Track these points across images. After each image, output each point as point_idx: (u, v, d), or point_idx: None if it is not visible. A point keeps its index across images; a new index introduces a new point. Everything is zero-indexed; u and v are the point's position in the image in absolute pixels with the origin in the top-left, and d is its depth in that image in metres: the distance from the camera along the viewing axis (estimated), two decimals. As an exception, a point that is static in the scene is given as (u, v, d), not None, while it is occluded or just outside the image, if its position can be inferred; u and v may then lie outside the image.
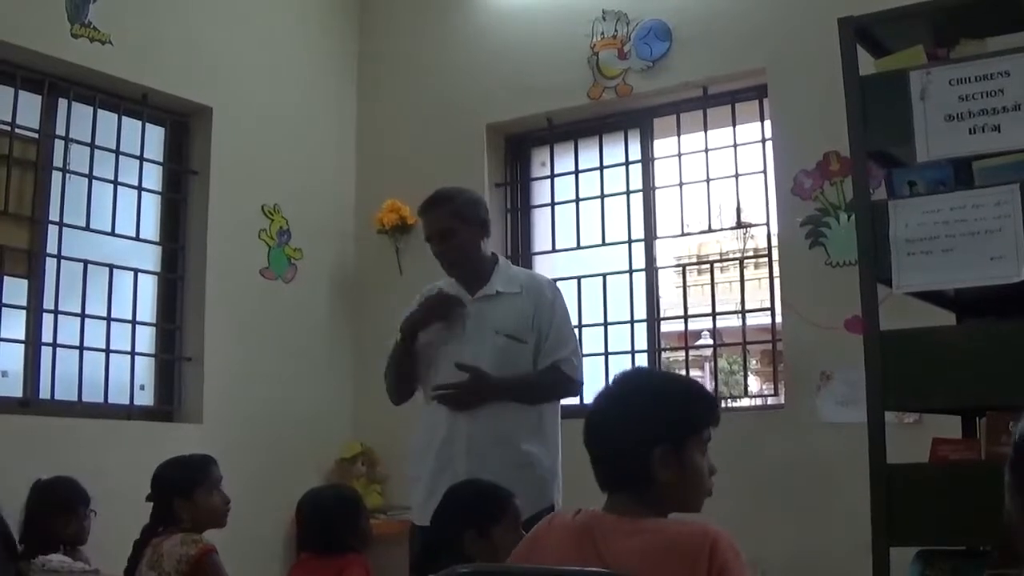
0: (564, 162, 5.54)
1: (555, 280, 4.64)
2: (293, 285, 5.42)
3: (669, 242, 5.41)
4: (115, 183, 4.82)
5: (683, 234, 5.31)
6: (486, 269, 3.41)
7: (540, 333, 3.32)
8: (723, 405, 5.20)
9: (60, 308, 4.57)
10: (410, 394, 3.45)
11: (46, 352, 4.50)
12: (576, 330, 3.86)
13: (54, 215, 4.58)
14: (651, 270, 5.20)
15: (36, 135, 4.56)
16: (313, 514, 3.18)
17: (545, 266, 5.47)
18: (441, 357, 3.34)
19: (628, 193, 5.31)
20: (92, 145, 4.74)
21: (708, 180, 5.11)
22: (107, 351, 4.73)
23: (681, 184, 5.17)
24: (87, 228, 4.69)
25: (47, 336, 4.51)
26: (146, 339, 4.94)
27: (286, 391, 5.25)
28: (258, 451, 4.99)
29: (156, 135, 5.05)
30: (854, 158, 2.86)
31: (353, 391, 5.59)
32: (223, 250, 5.08)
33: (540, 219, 5.57)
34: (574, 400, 3.53)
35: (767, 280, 4.90)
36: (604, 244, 5.35)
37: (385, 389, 3.46)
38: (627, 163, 5.33)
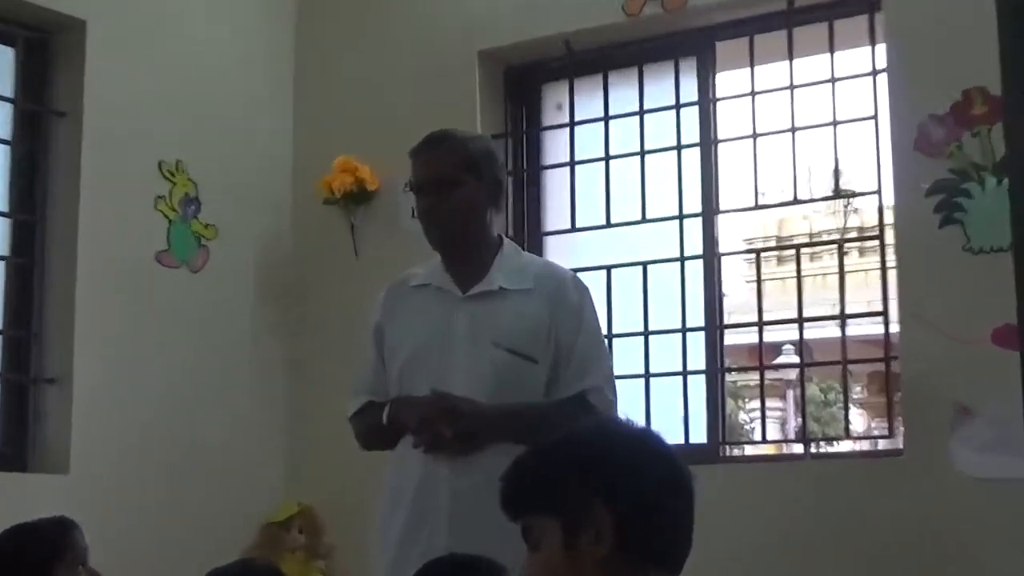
0: (589, 105, 5.49)
1: (574, 271, 4.60)
2: (204, 276, 5.38)
3: (737, 218, 5.44)
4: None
5: (756, 207, 5.31)
6: (486, 255, 3.46)
7: (560, 349, 3.37)
8: (815, 449, 5.28)
9: None
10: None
11: None
12: (606, 342, 3.85)
13: None
14: (711, 258, 5.19)
15: None
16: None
17: (561, 251, 5.44)
18: (419, 375, 3.37)
19: (679, 148, 5.26)
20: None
21: (793, 130, 5.07)
22: (-74, 370, 4.78)
23: (755, 136, 5.15)
24: None
25: None
26: (-14, 352, 4.97)
27: (191, 426, 5.20)
28: (148, 512, 4.95)
29: (2, 59, 5.03)
30: (1007, 96, 2.70)
31: (287, 426, 5.59)
32: (101, 225, 5.00)
33: (554, 185, 5.56)
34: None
35: (878, 272, 4.87)
36: (645, 220, 5.32)
37: (355, 436, 3.59)
38: (678, 106, 5.29)
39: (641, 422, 2.13)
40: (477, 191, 3.42)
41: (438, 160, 3.42)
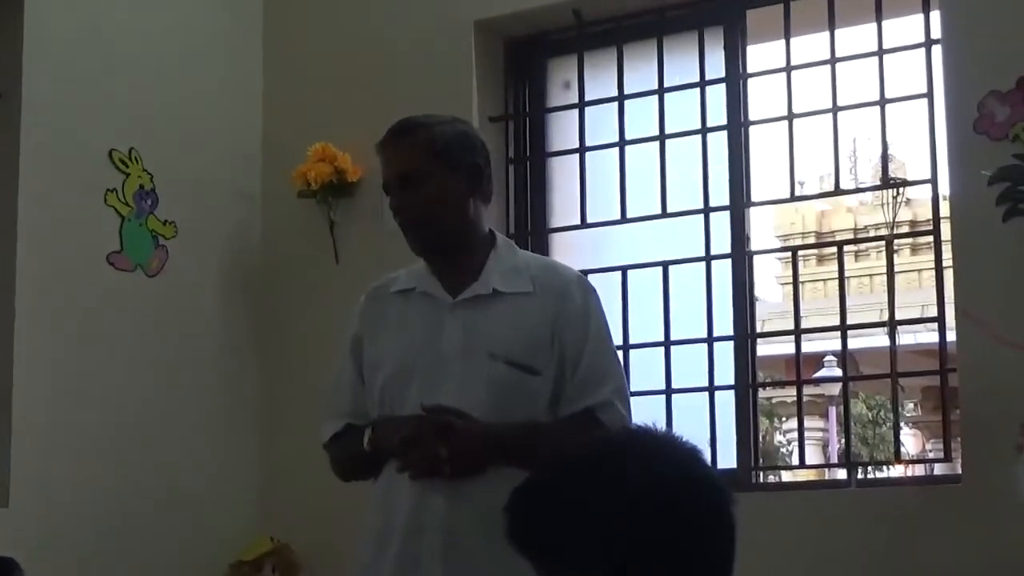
0: (601, 82, 5.49)
1: (585, 273, 4.60)
2: (162, 280, 5.38)
3: (771, 211, 5.43)
4: None
5: (793, 198, 5.36)
6: (477, 254, 3.47)
7: (565, 360, 3.37)
8: (861, 475, 5.21)
9: None
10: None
11: None
12: (619, 353, 3.85)
13: None
14: (742, 257, 5.20)
15: None
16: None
17: (570, 249, 5.48)
18: (405, 394, 3.38)
19: (705, 132, 5.26)
20: None
21: (835, 110, 5.08)
22: None
23: (791, 117, 5.14)
24: None
25: None
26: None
27: (149, 453, 5.20)
28: (100, 551, 4.96)
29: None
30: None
31: (259, 452, 5.61)
32: (43, 223, 5.00)
33: (562, 174, 5.57)
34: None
35: (932, 273, 5.05)
36: (665, 215, 5.31)
37: (331, 465, 3.59)
38: (703, 83, 5.29)
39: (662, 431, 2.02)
40: (452, 182, 3.39)
41: (402, 152, 3.40)
